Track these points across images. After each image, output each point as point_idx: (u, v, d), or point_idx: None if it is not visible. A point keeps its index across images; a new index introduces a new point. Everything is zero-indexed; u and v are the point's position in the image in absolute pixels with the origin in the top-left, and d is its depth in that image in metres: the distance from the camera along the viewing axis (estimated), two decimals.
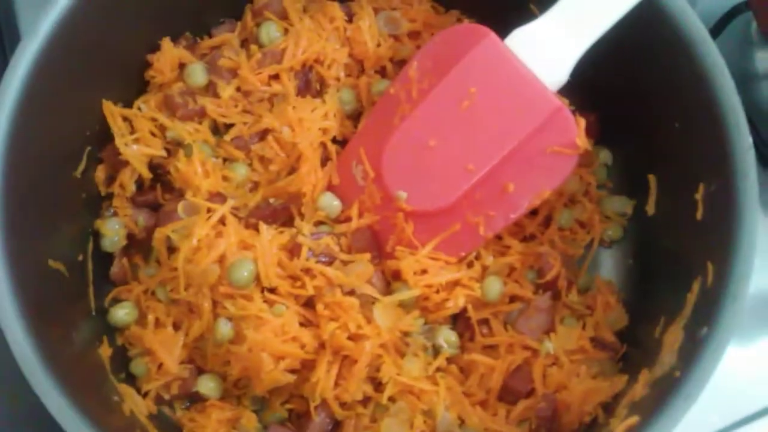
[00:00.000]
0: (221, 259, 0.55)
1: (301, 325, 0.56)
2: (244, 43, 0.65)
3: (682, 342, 0.50)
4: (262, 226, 0.57)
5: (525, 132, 0.55)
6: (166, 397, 0.56)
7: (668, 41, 0.53)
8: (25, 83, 0.49)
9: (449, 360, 0.58)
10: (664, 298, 0.57)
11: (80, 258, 0.57)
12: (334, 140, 0.63)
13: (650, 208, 0.62)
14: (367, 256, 0.57)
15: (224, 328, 0.55)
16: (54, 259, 0.52)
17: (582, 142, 0.55)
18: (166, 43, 0.61)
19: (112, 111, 0.59)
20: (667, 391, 0.46)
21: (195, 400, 0.58)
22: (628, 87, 0.61)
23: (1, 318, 0.43)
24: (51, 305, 0.49)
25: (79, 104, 0.56)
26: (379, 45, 0.65)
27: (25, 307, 0.44)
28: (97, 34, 0.55)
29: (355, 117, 0.66)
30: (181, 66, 0.63)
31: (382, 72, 0.66)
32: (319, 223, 0.61)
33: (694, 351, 0.47)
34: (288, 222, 0.61)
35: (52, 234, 0.53)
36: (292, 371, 0.55)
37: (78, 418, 0.43)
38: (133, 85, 0.62)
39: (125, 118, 0.60)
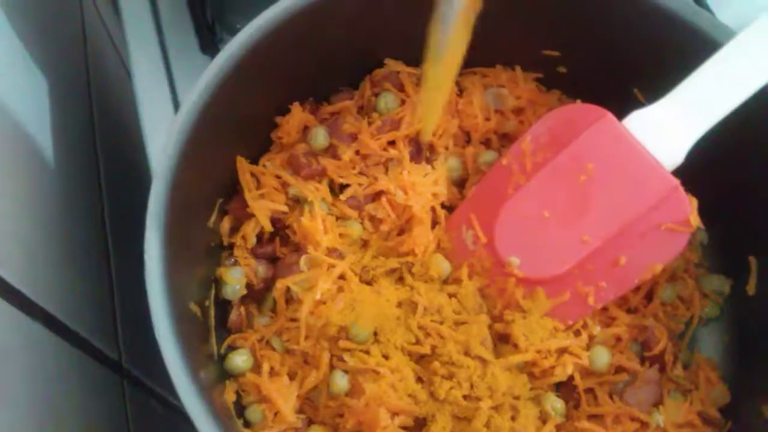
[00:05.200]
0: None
1: None
2: (360, 110, 0.69)
3: None
4: (383, 282, 0.59)
5: (642, 208, 0.57)
6: None
7: None
8: (181, 142, 0.52)
9: (557, 427, 0.59)
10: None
11: (206, 303, 0.59)
12: (442, 205, 0.66)
13: (750, 289, 0.63)
14: (484, 317, 0.59)
15: (341, 381, 0.56)
16: (192, 302, 0.54)
17: (695, 220, 0.57)
18: (296, 107, 0.65)
19: (244, 167, 0.62)
20: None
21: None
22: (725, 173, 0.62)
23: (166, 357, 0.45)
24: (190, 346, 0.51)
25: (217, 160, 0.60)
26: (488, 119, 0.69)
27: (180, 346, 0.46)
28: (237, 98, 0.58)
29: (459, 184, 0.69)
30: (304, 128, 0.66)
31: (486, 143, 0.70)
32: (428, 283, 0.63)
33: None
34: (397, 280, 0.63)
35: (191, 279, 0.56)
36: (404, 428, 0.56)
37: None
38: (257, 142, 0.66)
39: (252, 174, 0.63)
